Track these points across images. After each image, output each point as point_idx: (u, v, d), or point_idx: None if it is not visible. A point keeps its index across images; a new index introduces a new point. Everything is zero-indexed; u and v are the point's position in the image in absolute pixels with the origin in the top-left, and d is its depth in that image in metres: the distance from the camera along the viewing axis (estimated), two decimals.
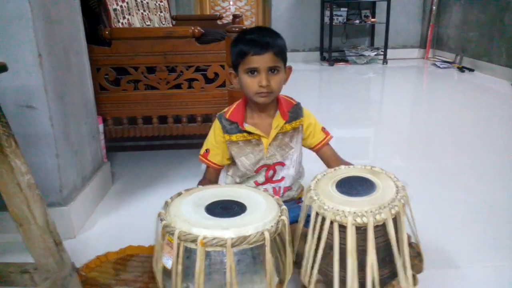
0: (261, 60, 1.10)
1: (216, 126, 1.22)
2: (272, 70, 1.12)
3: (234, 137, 1.19)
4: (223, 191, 1.00)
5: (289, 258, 0.93)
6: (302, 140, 1.25)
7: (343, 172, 1.01)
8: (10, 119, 0.86)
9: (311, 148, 1.28)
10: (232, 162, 1.25)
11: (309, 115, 1.26)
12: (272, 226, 0.86)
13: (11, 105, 1.21)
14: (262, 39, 1.11)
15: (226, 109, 1.24)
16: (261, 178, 1.23)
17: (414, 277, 0.91)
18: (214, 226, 0.83)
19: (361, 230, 0.84)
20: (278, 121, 1.19)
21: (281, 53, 1.13)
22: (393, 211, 0.85)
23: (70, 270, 0.95)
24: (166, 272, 0.87)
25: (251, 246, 0.82)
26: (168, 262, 0.86)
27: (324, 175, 1.01)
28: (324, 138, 1.26)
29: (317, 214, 0.89)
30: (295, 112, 1.23)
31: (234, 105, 1.23)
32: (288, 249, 0.91)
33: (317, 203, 0.89)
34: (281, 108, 1.20)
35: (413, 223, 0.93)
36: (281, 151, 1.21)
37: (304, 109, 1.25)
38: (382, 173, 0.99)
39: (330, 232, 0.87)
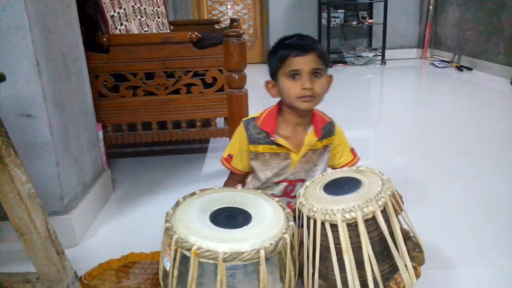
0: (304, 61, 1.03)
1: (241, 133, 1.15)
2: (315, 73, 1.05)
3: (260, 148, 1.13)
4: (235, 196, 0.97)
5: (289, 275, 0.89)
6: (328, 159, 1.19)
7: (329, 175, 1.02)
8: (9, 128, 0.85)
9: (336, 168, 1.21)
10: (253, 171, 1.19)
11: (341, 134, 1.20)
12: (271, 244, 0.81)
13: (10, 114, 1.21)
14: (303, 42, 1.06)
15: (255, 115, 1.16)
16: (279, 192, 1.19)
17: (416, 268, 0.91)
18: (211, 237, 0.81)
19: (352, 226, 0.84)
20: (310, 138, 1.13)
21: (323, 57, 1.06)
22: (380, 203, 0.85)
23: (72, 279, 0.95)
24: (166, 273, 0.88)
25: (244, 263, 0.79)
26: (167, 264, 0.87)
27: (312, 181, 1.02)
28: (352, 160, 1.21)
29: (308, 218, 0.89)
30: (327, 129, 1.17)
31: (266, 112, 1.15)
32: (290, 267, 0.88)
33: (306, 207, 0.90)
34: (315, 124, 1.14)
35: (406, 216, 0.93)
36: (307, 168, 1.16)
37: (336, 126, 1.19)
38: (368, 171, 0.99)
39: (324, 234, 0.87)
